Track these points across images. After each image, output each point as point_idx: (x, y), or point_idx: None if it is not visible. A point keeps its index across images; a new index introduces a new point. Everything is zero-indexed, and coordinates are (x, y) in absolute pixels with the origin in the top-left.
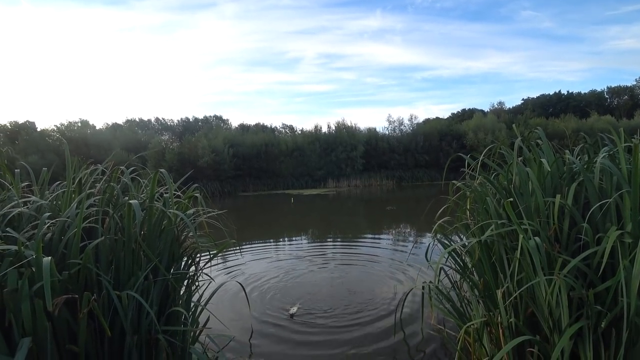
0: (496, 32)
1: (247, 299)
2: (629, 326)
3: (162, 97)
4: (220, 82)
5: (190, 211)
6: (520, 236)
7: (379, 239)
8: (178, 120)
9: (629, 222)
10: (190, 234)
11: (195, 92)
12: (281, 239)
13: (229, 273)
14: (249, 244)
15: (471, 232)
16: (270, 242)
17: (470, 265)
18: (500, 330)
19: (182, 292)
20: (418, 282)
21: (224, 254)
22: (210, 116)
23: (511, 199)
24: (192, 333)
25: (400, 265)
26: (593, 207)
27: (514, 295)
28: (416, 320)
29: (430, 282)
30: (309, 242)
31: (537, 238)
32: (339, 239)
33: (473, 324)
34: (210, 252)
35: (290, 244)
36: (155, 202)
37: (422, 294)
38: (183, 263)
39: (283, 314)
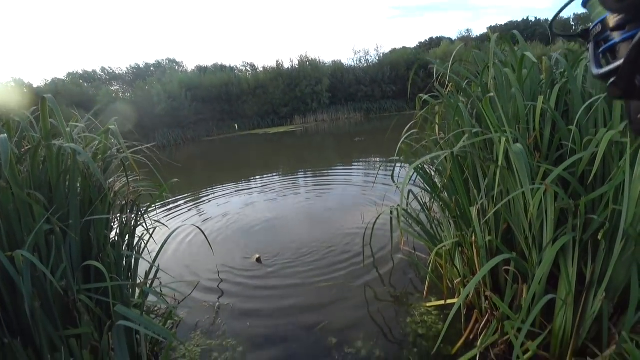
0: None
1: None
2: (624, 236)
3: (106, 45)
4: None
5: (114, 149)
6: (503, 139)
7: (349, 169)
8: (127, 68)
9: (619, 124)
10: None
11: (143, 36)
12: (252, 179)
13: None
14: (215, 188)
15: (440, 146)
16: (241, 183)
17: (440, 185)
18: (475, 250)
19: (123, 244)
20: (387, 209)
21: (194, 199)
22: (162, 60)
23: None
24: (130, 290)
25: (369, 192)
26: (578, 111)
27: (493, 211)
28: (386, 246)
29: (398, 205)
30: (280, 178)
31: (519, 144)
32: (309, 173)
33: (444, 246)
34: (157, 201)
35: (261, 183)
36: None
37: (391, 218)
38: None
39: (249, 255)
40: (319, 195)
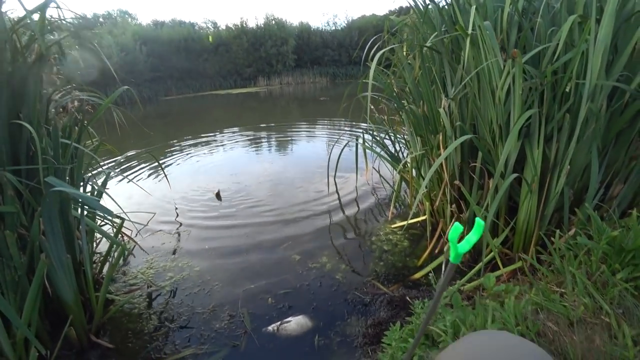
0: None
1: (167, 179)
2: (586, 112)
3: None
4: None
5: None
6: (472, 10)
7: (314, 120)
8: (72, 18)
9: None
10: None
11: None
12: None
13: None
14: (176, 148)
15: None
16: (202, 139)
17: (409, 88)
18: (442, 149)
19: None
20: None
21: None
22: (113, 11)
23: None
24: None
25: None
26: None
27: (461, 86)
28: (350, 178)
29: (365, 130)
30: (244, 134)
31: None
32: (273, 126)
33: (414, 155)
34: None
35: (224, 139)
36: None
37: (356, 145)
38: None
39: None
40: (288, 140)
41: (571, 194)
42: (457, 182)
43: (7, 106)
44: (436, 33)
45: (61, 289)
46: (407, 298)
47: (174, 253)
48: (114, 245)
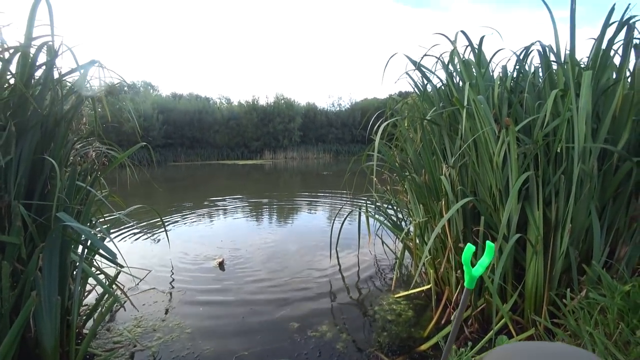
0: None
1: (167, 237)
2: (579, 173)
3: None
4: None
5: None
6: (467, 85)
7: (316, 194)
8: (103, 82)
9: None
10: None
11: (120, 56)
12: (216, 203)
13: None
14: (180, 210)
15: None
16: (204, 205)
17: (410, 159)
18: (444, 214)
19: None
20: (355, 208)
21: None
22: (137, 81)
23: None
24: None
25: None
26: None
27: (461, 150)
28: (352, 247)
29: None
30: (246, 204)
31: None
32: (275, 197)
33: (417, 221)
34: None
35: (226, 207)
36: None
37: (359, 214)
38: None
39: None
40: (290, 211)
41: (577, 255)
42: (462, 244)
43: (36, 144)
44: (435, 108)
45: (43, 333)
46: None
47: (166, 313)
48: (105, 296)
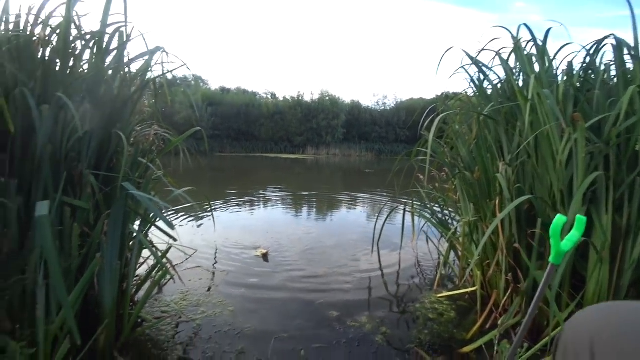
0: None
1: (213, 221)
2: None
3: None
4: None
5: None
6: (532, 78)
7: (357, 191)
8: (166, 69)
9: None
10: None
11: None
12: (258, 194)
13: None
14: (224, 198)
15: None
16: (247, 195)
17: (461, 157)
18: (498, 203)
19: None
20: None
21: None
22: (189, 75)
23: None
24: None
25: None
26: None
27: (522, 146)
28: (395, 245)
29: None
30: (288, 195)
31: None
32: (316, 192)
33: (467, 220)
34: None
35: (267, 198)
36: None
37: (404, 212)
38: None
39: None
40: (331, 207)
41: None
42: (516, 244)
43: (107, 121)
44: (493, 103)
45: (104, 293)
46: None
47: (209, 290)
48: (156, 268)
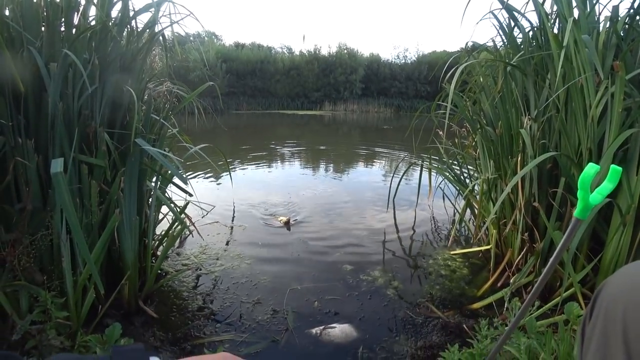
0: None
1: (230, 178)
2: None
3: None
4: None
5: None
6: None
7: (374, 148)
8: (168, 36)
9: None
10: None
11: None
12: (275, 151)
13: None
14: (241, 156)
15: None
16: (264, 152)
17: (483, 111)
18: (520, 160)
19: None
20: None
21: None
22: (202, 31)
23: None
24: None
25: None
26: None
27: (550, 99)
28: (410, 206)
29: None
30: (305, 152)
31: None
32: (333, 148)
33: (486, 177)
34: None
35: (284, 154)
36: None
37: (421, 167)
38: None
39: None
40: (348, 163)
41: None
42: (535, 203)
43: (116, 77)
44: (522, 52)
45: (125, 247)
46: (464, 326)
47: (227, 244)
48: (175, 223)
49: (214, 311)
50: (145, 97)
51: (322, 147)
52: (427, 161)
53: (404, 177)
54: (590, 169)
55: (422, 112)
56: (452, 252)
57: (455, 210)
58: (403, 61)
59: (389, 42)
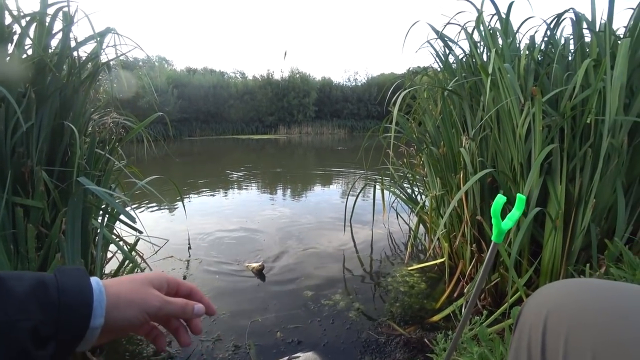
0: None
1: (184, 209)
2: (607, 148)
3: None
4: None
5: None
6: (493, 51)
7: (330, 169)
8: (114, 61)
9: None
10: None
11: (133, 31)
12: (230, 178)
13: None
14: (195, 184)
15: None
16: (218, 180)
17: (428, 132)
18: (462, 177)
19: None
20: (369, 181)
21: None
22: (152, 56)
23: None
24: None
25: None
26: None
27: (482, 121)
28: (367, 221)
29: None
30: (261, 176)
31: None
32: (289, 172)
33: (434, 194)
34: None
35: (239, 180)
36: None
37: (374, 188)
38: None
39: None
40: (304, 186)
41: (598, 231)
42: (478, 217)
43: (55, 111)
44: (457, 78)
45: None
46: (425, 340)
47: (184, 278)
48: (125, 262)
49: (172, 354)
50: (90, 130)
51: (278, 170)
52: (379, 181)
53: (362, 195)
54: (500, 199)
55: (373, 133)
56: (409, 268)
57: (409, 228)
58: (354, 83)
59: (340, 65)
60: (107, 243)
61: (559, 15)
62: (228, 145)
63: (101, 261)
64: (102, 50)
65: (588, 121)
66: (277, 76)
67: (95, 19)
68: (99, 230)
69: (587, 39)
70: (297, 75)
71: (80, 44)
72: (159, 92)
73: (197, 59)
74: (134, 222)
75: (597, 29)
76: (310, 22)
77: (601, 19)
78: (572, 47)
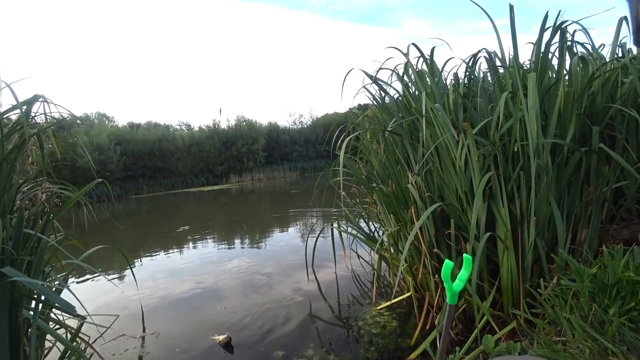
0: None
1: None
2: (535, 168)
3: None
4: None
5: None
6: (423, 94)
7: (286, 214)
8: (50, 118)
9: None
10: None
11: (70, 88)
12: (183, 235)
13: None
14: (144, 246)
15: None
16: (169, 239)
17: (376, 171)
18: (415, 221)
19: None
20: (327, 224)
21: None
22: (91, 113)
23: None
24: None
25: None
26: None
27: (426, 156)
28: (329, 268)
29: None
30: (215, 229)
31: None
32: (244, 221)
33: (390, 231)
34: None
35: (193, 236)
36: None
37: (332, 230)
38: None
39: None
40: (261, 234)
41: (544, 245)
42: (435, 250)
43: None
44: (395, 119)
45: None
46: None
47: (138, 355)
48: (67, 353)
49: None
50: (18, 205)
51: (234, 218)
52: (335, 224)
53: (322, 235)
54: (447, 265)
55: (322, 176)
56: (378, 307)
57: (372, 267)
58: (300, 126)
59: (285, 109)
60: (44, 334)
61: (474, 55)
62: (178, 200)
63: (36, 357)
64: (32, 119)
65: (515, 149)
66: (223, 125)
67: (22, 85)
68: (32, 321)
69: (502, 70)
70: (244, 123)
71: (2, 114)
72: (99, 151)
73: (140, 112)
74: (74, 310)
75: (508, 64)
76: (252, 69)
77: (509, 54)
78: (490, 79)
